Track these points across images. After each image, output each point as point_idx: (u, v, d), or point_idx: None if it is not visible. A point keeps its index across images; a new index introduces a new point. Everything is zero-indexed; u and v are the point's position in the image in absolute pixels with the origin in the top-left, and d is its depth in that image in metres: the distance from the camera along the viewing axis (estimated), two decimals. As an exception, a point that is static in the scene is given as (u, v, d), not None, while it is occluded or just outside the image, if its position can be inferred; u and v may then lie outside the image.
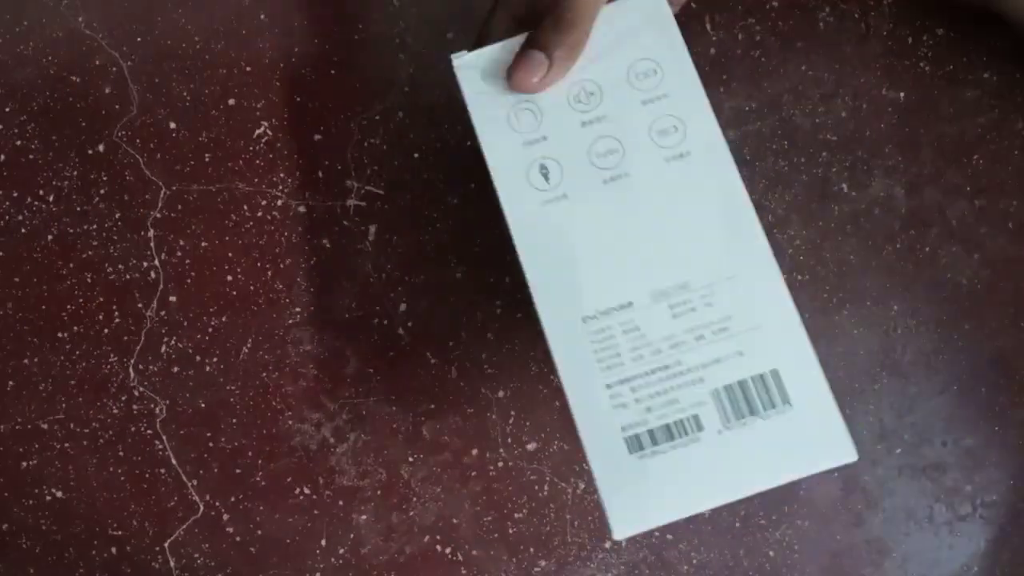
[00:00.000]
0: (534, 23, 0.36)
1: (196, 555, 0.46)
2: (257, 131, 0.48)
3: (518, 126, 0.35)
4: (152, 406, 0.46)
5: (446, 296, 0.48)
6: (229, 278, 0.47)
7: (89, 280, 0.46)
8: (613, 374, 0.32)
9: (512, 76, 0.34)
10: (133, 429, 0.46)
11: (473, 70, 0.35)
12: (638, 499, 0.31)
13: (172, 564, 0.46)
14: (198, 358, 0.47)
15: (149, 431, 0.46)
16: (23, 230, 0.46)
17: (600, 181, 0.34)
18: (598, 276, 0.32)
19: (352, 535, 0.47)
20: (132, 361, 0.46)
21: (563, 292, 0.32)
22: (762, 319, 0.31)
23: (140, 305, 0.46)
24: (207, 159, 0.47)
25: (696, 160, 0.33)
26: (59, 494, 0.46)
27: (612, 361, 0.32)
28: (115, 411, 0.46)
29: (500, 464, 0.47)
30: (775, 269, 0.32)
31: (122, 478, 0.46)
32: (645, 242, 0.33)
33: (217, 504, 0.46)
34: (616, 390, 0.32)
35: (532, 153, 0.35)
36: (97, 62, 0.47)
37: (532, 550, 0.47)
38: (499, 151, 0.35)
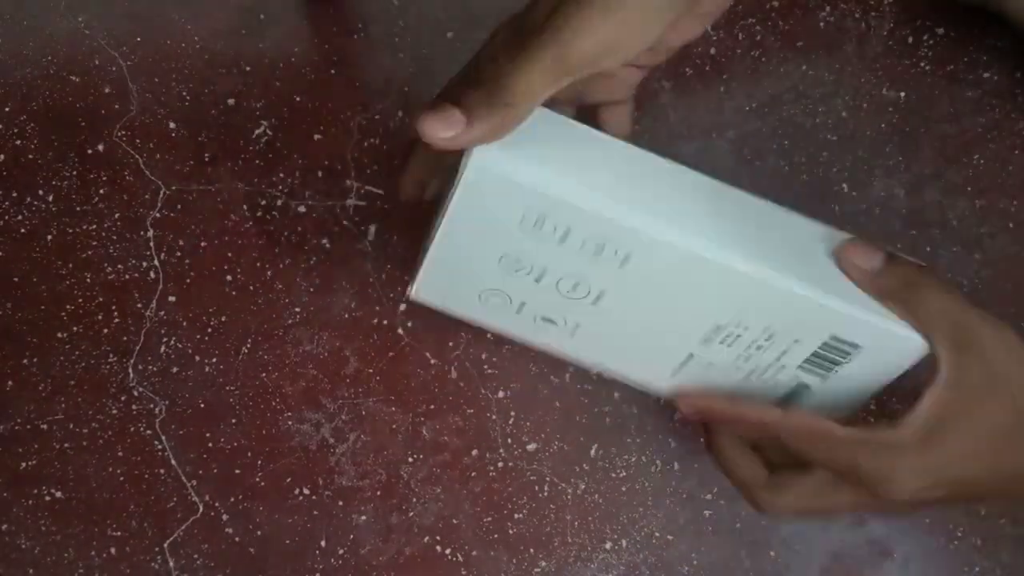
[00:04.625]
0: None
1: (195, 556, 0.46)
2: (257, 131, 0.48)
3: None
4: (151, 406, 0.46)
5: (446, 296, 0.48)
6: (229, 278, 0.47)
7: (88, 280, 0.46)
8: (724, 388, 0.38)
9: (424, 122, 0.30)
10: (132, 429, 0.46)
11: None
12: None
13: (171, 565, 0.46)
14: (197, 358, 0.46)
15: (148, 431, 0.46)
16: (23, 230, 0.46)
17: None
18: (654, 347, 0.37)
19: (352, 536, 0.46)
20: (131, 361, 0.46)
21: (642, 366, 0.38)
22: (795, 313, 0.34)
23: (139, 305, 0.46)
24: (207, 159, 0.47)
25: (640, 258, 0.33)
26: (58, 494, 0.46)
27: (711, 383, 0.38)
28: (114, 411, 0.46)
29: (500, 464, 0.47)
30: (770, 272, 0.33)
31: (121, 478, 0.46)
32: (666, 312, 0.35)
33: (216, 504, 0.46)
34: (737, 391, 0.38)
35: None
36: (97, 62, 0.47)
37: (532, 551, 0.47)
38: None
